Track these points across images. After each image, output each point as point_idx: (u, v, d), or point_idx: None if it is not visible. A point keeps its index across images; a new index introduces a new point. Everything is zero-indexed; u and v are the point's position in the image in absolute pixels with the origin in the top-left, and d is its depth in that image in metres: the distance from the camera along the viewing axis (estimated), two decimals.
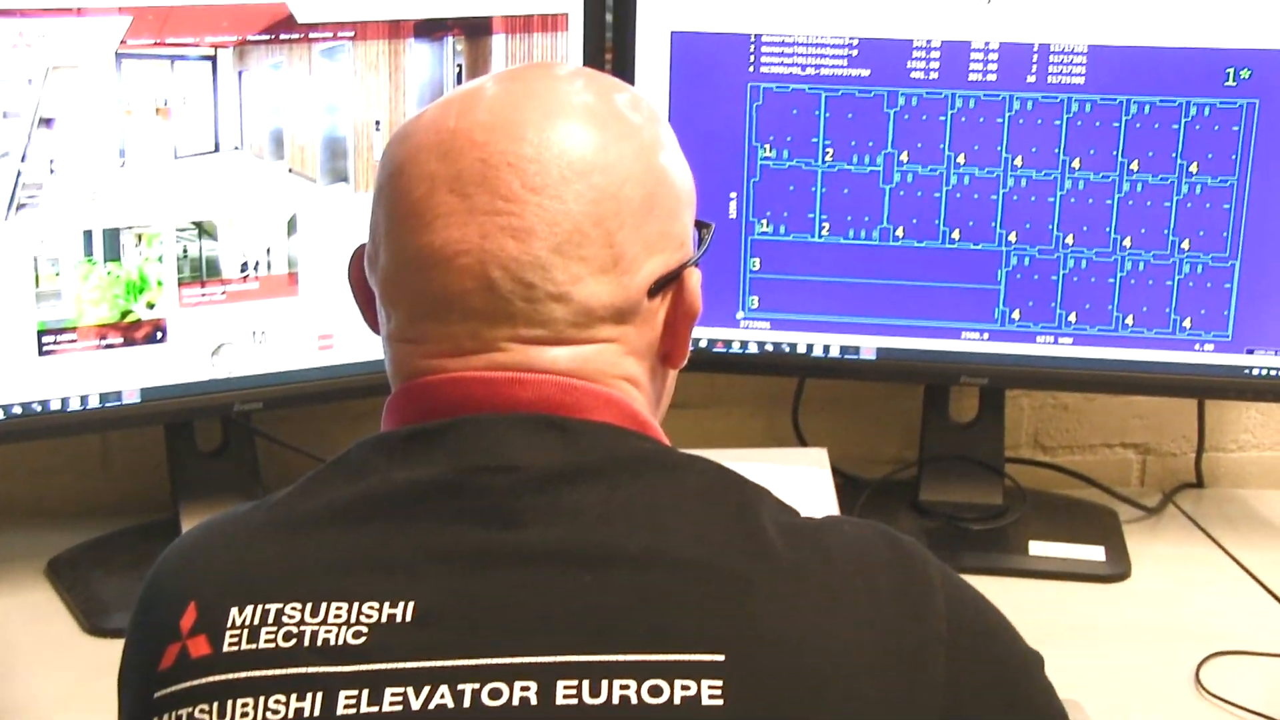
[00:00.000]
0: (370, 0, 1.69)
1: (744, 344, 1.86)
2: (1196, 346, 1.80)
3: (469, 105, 1.04)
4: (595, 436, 1.01)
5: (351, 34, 1.69)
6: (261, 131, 1.67)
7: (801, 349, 1.85)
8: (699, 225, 1.12)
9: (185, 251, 1.66)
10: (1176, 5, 1.72)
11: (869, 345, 1.84)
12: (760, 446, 1.91)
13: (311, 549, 0.98)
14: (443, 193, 1.01)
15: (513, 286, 1.00)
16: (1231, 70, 1.72)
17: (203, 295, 1.68)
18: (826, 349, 1.85)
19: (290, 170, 1.69)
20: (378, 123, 1.72)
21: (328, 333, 1.75)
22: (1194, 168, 1.75)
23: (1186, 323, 1.79)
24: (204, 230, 1.67)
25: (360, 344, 1.74)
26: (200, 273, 1.68)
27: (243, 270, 1.70)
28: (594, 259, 1.01)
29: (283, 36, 1.65)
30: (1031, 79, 1.74)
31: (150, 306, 1.66)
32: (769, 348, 1.86)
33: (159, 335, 1.67)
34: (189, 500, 1.78)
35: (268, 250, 1.70)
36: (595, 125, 1.03)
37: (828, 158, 1.79)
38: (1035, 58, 1.74)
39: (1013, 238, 1.79)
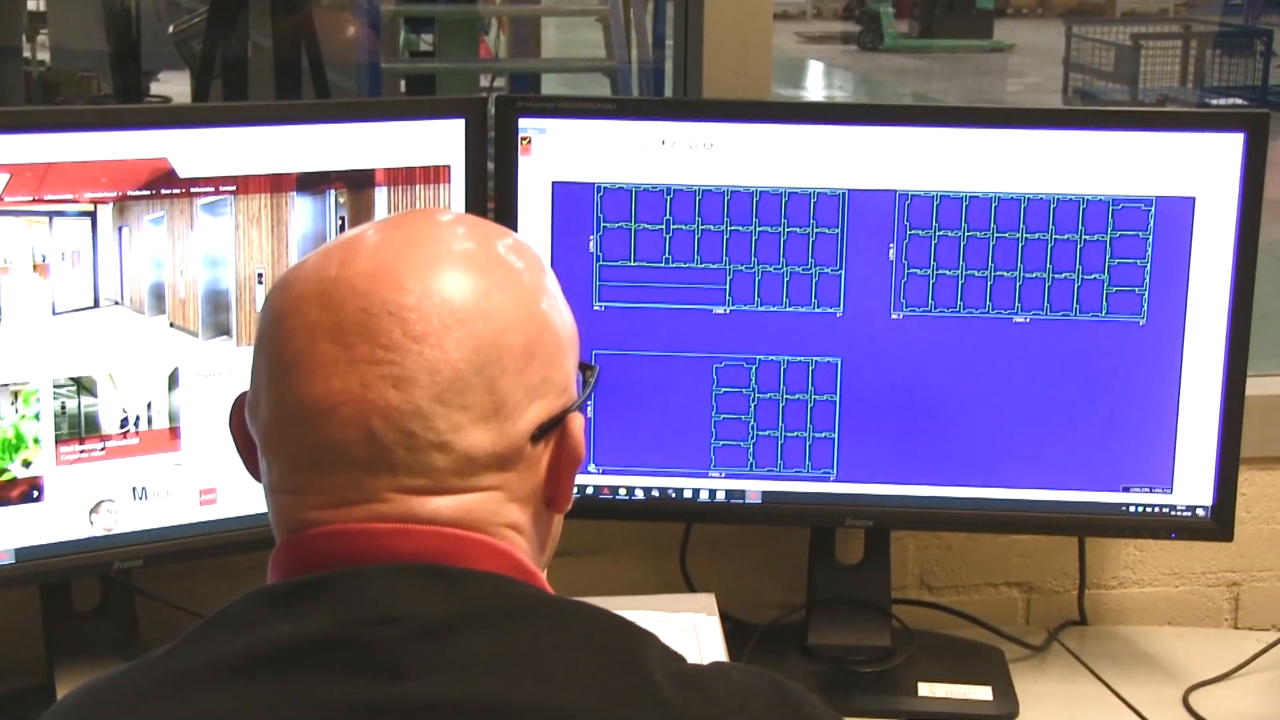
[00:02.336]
0: (252, 155, 1.70)
1: (630, 490, 1.86)
2: (1074, 485, 1.83)
3: (350, 253, 1.05)
4: (480, 585, 1.01)
5: (234, 188, 1.69)
6: (142, 286, 1.66)
7: (688, 494, 1.86)
8: (583, 368, 1.13)
9: (63, 408, 1.64)
10: (1054, 158, 1.78)
11: (754, 489, 1.85)
12: (648, 592, 1.91)
13: (194, 707, 0.96)
14: (323, 342, 1.01)
15: (394, 436, 1.00)
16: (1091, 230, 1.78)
17: (81, 452, 1.66)
18: (712, 493, 1.86)
19: (171, 324, 1.68)
20: (260, 275, 1.72)
21: (210, 487, 1.73)
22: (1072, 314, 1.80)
23: (1064, 462, 1.83)
24: (83, 386, 1.65)
25: (244, 498, 1.72)
26: (79, 429, 1.65)
27: (123, 426, 1.68)
28: (475, 407, 1.02)
29: (164, 191, 1.66)
30: (911, 229, 1.79)
31: (26, 465, 1.63)
32: (655, 493, 1.86)
33: (35, 494, 1.64)
34: (64, 663, 1.73)
35: (148, 405, 1.69)
36: (476, 272, 1.04)
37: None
38: (916, 203, 1.78)
39: (896, 382, 1.81)
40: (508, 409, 1.03)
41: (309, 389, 1.01)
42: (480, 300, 1.03)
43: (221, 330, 1.71)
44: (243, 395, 1.10)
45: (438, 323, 1.01)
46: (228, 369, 1.71)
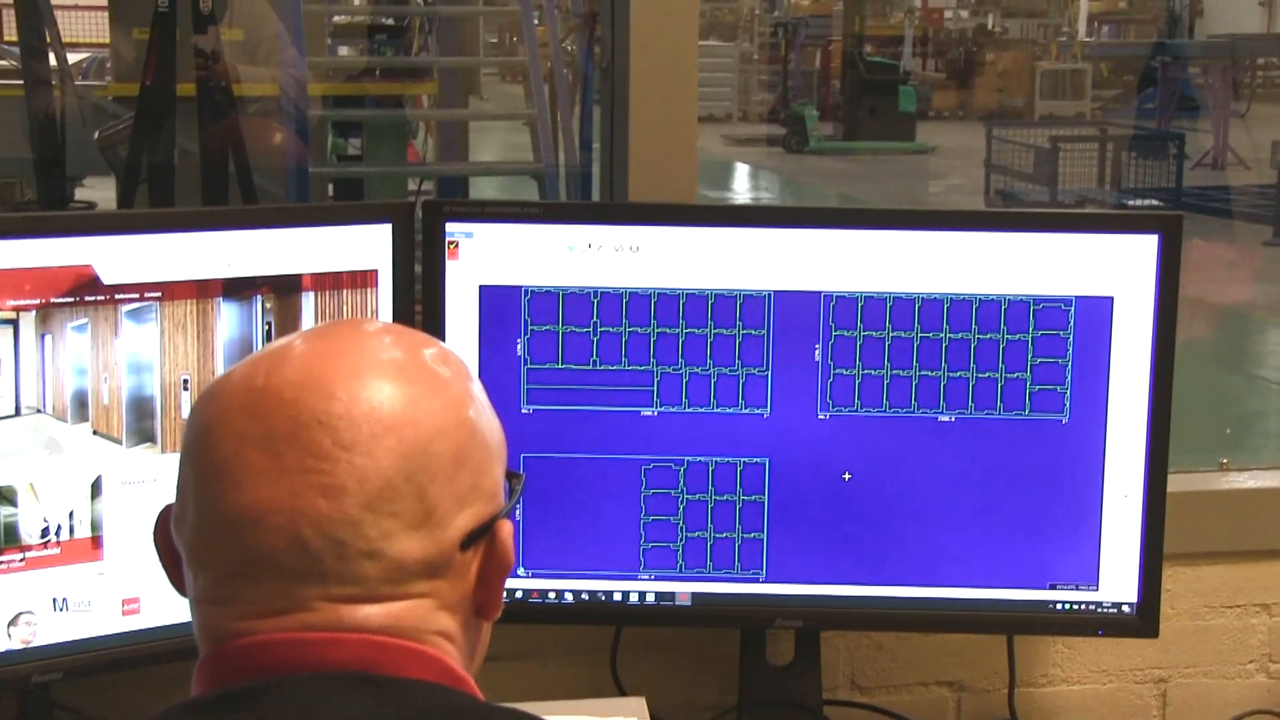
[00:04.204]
0: (178, 261, 1.69)
1: (559, 593, 1.85)
2: (1001, 583, 1.84)
3: (278, 363, 1.04)
4: (410, 693, 1.00)
5: (159, 294, 1.68)
6: (65, 393, 1.65)
7: (617, 597, 1.85)
8: (509, 476, 1.13)
9: None
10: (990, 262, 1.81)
11: (684, 591, 1.85)
12: (579, 697, 1.89)
13: None
14: (252, 452, 1.01)
15: (324, 545, 1.00)
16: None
17: None
18: (642, 596, 1.85)
19: (95, 432, 1.67)
20: (185, 382, 1.71)
21: (133, 597, 1.70)
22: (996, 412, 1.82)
23: (992, 560, 1.84)
24: (3, 496, 1.63)
25: (168, 607, 1.70)
26: None
27: (44, 536, 1.65)
28: (405, 514, 1.01)
29: (88, 298, 1.65)
30: (837, 329, 1.81)
31: None
32: (584, 596, 1.85)
33: None
34: None
35: (70, 514, 1.66)
36: (404, 380, 1.05)
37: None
38: (841, 304, 1.80)
39: (824, 482, 1.82)
40: (437, 516, 1.03)
41: (237, 498, 1.00)
42: (409, 408, 1.03)
43: (146, 437, 1.69)
44: (168, 507, 1.09)
45: (367, 431, 1.01)
46: (152, 476, 1.69)
